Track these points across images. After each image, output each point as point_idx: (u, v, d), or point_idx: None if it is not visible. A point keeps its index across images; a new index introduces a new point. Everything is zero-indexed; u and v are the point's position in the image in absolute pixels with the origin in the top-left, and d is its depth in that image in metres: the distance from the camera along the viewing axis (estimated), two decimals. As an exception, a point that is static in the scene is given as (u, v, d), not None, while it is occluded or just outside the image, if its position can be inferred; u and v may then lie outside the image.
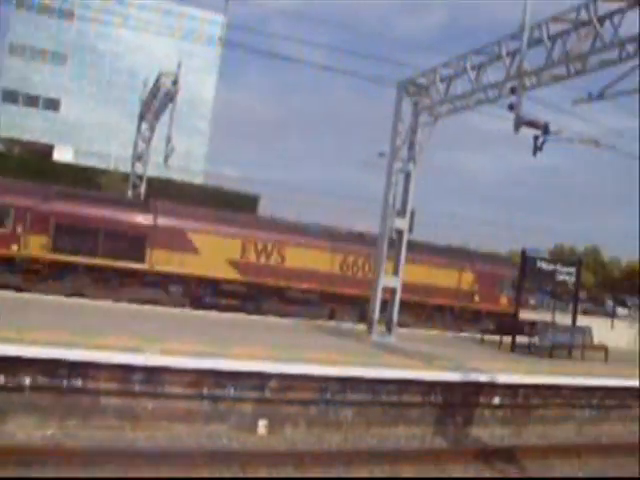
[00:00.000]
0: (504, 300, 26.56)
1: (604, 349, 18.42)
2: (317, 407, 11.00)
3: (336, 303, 23.77)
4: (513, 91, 14.57)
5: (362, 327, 18.16)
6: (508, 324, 20.06)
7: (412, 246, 19.24)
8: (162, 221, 21.72)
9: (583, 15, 13.10)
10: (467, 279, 25.76)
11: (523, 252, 19.35)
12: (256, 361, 10.66)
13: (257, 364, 10.53)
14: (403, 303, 18.15)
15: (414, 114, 17.79)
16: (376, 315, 17.24)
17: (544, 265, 19.10)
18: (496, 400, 12.71)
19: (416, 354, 14.34)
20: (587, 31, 13.20)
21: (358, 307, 22.82)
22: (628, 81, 13.29)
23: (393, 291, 17.75)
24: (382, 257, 17.62)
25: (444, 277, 25.30)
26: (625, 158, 22.49)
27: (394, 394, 11.62)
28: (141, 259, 21.12)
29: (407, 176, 17.89)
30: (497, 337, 19.49)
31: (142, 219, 21.51)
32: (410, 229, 17.94)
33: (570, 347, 18.51)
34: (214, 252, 22.08)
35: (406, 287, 18.38)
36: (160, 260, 21.35)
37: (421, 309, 24.75)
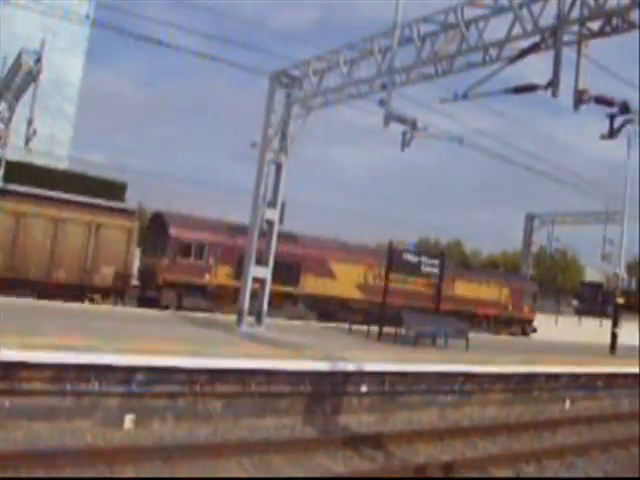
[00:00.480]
0: (526, 309, 34.41)
1: (466, 338, 19.33)
2: (185, 400, 10.80)
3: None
4: (384, 87, 14.95)
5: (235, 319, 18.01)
6: (376, 315, 20.59)
7: (468, 268, 32.97)
8: (311, 252, 26.88)
9: (451, 18, 13.64)
10: (505, 293, 32.13)
11: (390, 244, 19.93)
12: (121, 354, 10.29)
13: (123, 358, 10.18)
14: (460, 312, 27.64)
15: (286, 105, 17.83)
16: (245, 306, 17.18)
17: (410, 257, 19.78)
18: (364, 388, 13.00)
19: (285, 344, 14.42)
20: (454, 33, 13.75)
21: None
22: (491, 83, 13.96)
23: (262, 282, 17.75)
24: (252, 247, 17.55)
25: (490, 292, 32.33)
26: (486, 156, 23.59)
27: (263, 385, 11.62)
28: (296, 283, 26.15)
29: (278, 167, 17.93)
30: (365, 327, 19.99)
31: (297, 251, 25.96)
32: (281, 220, 18.00)
33: (434, 336, 19.30)
34: (346, 277, 27.67)
35: (464, 300, 29.30)
36: (308, 284, 26.64)
37: (475, 316, 30.92)
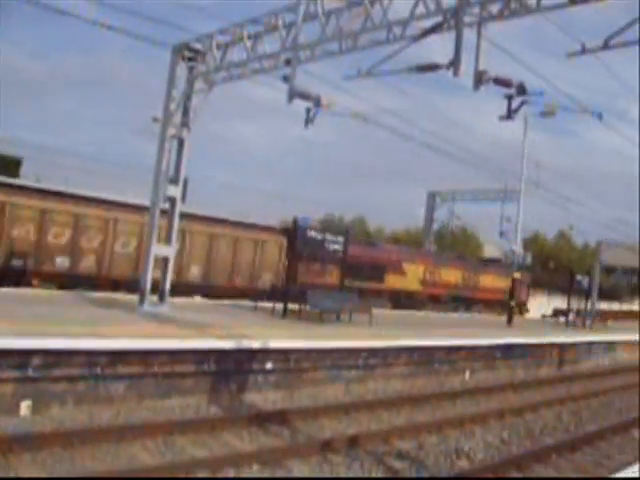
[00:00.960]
0: (523, 295, 41.84)
1: (369, 313, 19.66)
2: (86, 383, 10.46)
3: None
4: (288, 63, 14.82)
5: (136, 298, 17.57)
6: (280, 291, 20.60)
7: (488, 265, 43.56)
8: (391, 257, 35.18)
9: (356, -6, 13.63)
10: (507, 282, 34.03)
11: (294, 221, 19.91)
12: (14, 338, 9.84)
13: (17, 341, 9.73)
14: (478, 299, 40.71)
15: (189, 79, 17.41)
16: (147, 285, 16.79)
17: (314, 234, 19.83)
18: (269, 365, 13.00)
19: (189, 323, 14.21)
20: (359, 11, 13.77)
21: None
22: (396, 62, 14.09)
23: (165, 260, 17.40)
24: (154, 225, 17.14)
25: (499, 281, 39.88)
26: (390, 134, 23.87)
27: (167, 365, 11.40)
28: (381, 281, 33.64)
29: (180, 143, 17.54)
30: (270, 304, 20.00)
31: (382, 256, 34.25)
32: (183, 198, 17.63)
33: (338, 312, 19.53)
34: (413, 274, 36.09)
35: (480, 288, 40.78)
36: (390, 281, 34.30)
37: (487, 301, 40.85)
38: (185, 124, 17.38)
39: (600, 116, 24.07)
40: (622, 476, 4.97)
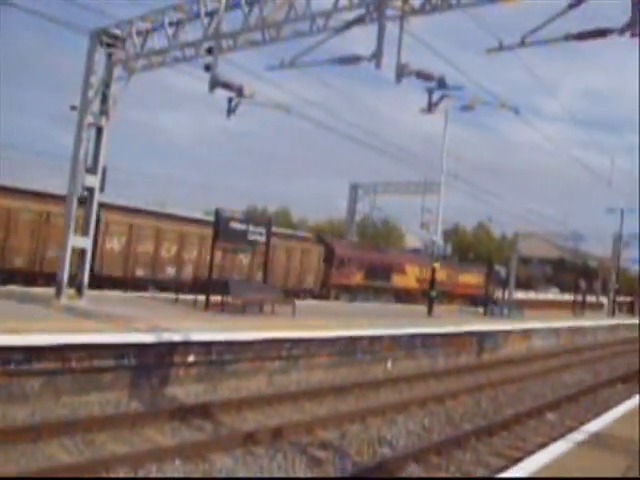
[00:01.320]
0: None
1: (292, 304, 19.68)
2: (-1, 380, 10.05)
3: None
4: (210, 52, 14.60)
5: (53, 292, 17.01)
6: (203, 283, 20.36)
7: (468, 265, 50.92)
8: (396, 260, 41.33)
9: (279, -16, 13.53)
10: (481, 279, 41.60)
11: (216, 212, 19.68)
12: None
13: None
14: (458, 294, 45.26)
15: (108, 66, 16.92)
16: (65, 277, 16.30)
17: (237, 225, 19.65)
18: (191, 358, 12.83)
19: (109, 317, 13.86)
20: (282, 1, 13.69)
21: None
22: (319, 54, 14.10)
23: (82, 252, 16.92)
24: (71, 216, 16.63)
25: (474, 278, 45.89)
26: (314, 125, 23.85)
27: (85, 360, 11.08)
28: (388, 280, 39.53)
29: (99, 131, 17.05)
30: (192, 297, 19.73)
31: (390, 260, 40.20)
32: (102, 188, 17.16)
33: (261, 303, 19.46)
34: (413, 274, 41.56)
35: (459, 284, 45.65)
36: (395, 280, 40.07)
37: (465, 295, 45.62)
38: (104, 112, 16.90)
39: (517, 111, 24.82)
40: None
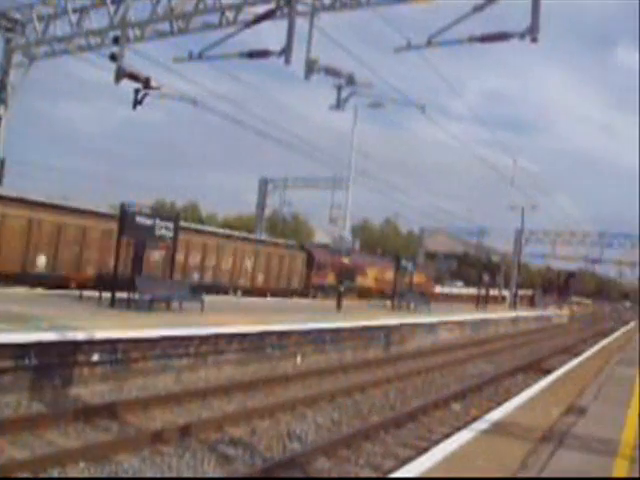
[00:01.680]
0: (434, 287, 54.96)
1: (200, 300, 19.43)
2: None
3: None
4: (116, 41, 14.20)
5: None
6: (109, 279, 19.80)
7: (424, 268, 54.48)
8: (358, 262, 43.50)
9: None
10: (424, 278, 49.60)
11: (122, 206, 19.16)
12: None
13: None
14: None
15: (6, 52, 16.21)
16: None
17: (143, 220, 19.18)
18: (95, 357, 12.45)
19: (7, 315, 13.27)
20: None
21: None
22: (230, 47, 13.95)
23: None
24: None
25: (421, 278, 50.19)
26: (223, 119, 23.51)
27: (-19, 361, 10.56)
28: (353, 280, 42.56)
29: (-3, 121, 16.30)
30: (98, 293, 19.16)
31: (354, 262, 38.07)
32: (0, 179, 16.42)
33: (169, 300, 19.11)
34: (372, 275, 47.82)
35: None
36: (359, 280, 44.99)
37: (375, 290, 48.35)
38: (2, 101, 16.15)
39: (423, 109, 25.38)
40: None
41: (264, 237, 45.91)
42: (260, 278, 36.96)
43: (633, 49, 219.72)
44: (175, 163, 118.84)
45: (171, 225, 20.08)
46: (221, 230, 40.16)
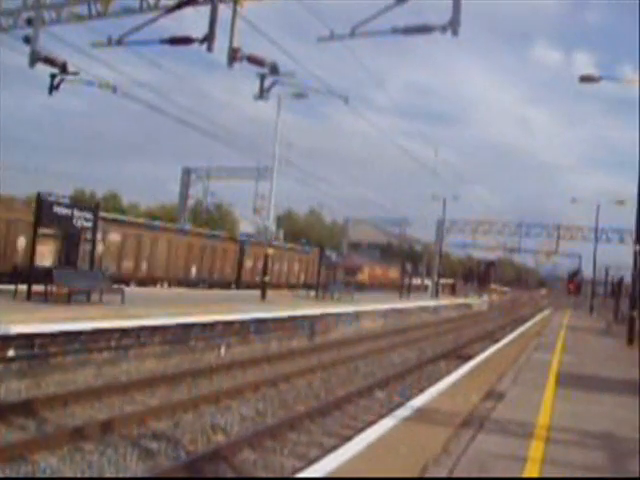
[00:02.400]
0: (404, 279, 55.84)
1: (121, 292, 19.01)
2: None
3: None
4: (30, 23, 13.64)
5: None
6: (23, 272, 19.11)
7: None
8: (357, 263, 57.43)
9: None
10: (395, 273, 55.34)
11: (38, 196, 18.50)
12: None
13: None
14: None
15: None
16: None
17: (61, 210, 18.56)
18: (11, 352, 12.02)
19: None
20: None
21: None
22: (151, 33, 13.61)
23: None
24: None
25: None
26: (144, 107, 23.11)
27: None
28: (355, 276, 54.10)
29: None
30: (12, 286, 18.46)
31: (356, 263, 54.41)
32: None
33: (89, 292, 18.61)
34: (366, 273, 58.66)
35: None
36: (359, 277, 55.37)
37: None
38: None
39: (346, 100, 25.50)
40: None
41: (188, 227, 45.10)
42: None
43: (549, 46, 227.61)
44: (96, 152, 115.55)
45: (90, 215, 19.51)
46: (157, 222, 40.09)
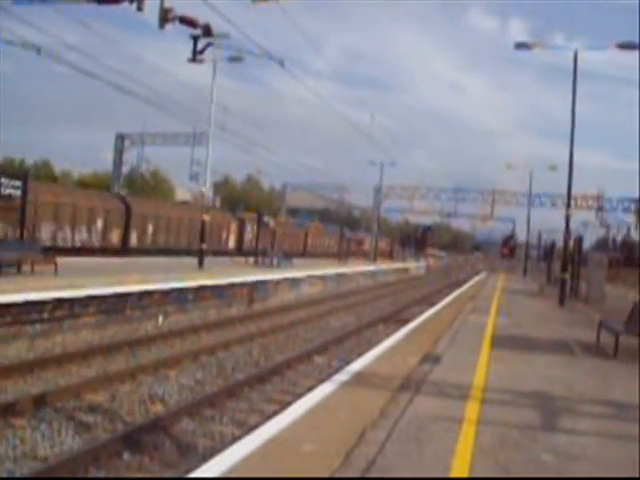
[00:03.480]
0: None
1: (54, 262, 18.51)
2: None
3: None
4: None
5: None
6: None
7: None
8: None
9: None
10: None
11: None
12: None
13: None
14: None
15: None
16: None
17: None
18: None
19: None
20: None
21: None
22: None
23: None
24: None
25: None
26: (71, 71, 22.17)
27: None
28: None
29: None
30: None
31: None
32: None
33: (19, 263, 18.05)
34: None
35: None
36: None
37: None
38: None
39: (282, 63, 25.19)
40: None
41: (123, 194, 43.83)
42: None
43: (484, 13, 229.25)
44: (24, 118, 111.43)
45: (19, 184, 18.86)
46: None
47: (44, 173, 65.26)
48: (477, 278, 55.14)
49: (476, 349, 12.17)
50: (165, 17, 11.55)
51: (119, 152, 50.54)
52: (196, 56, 12.39)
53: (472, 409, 7.57)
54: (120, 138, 50.36)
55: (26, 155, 70.04)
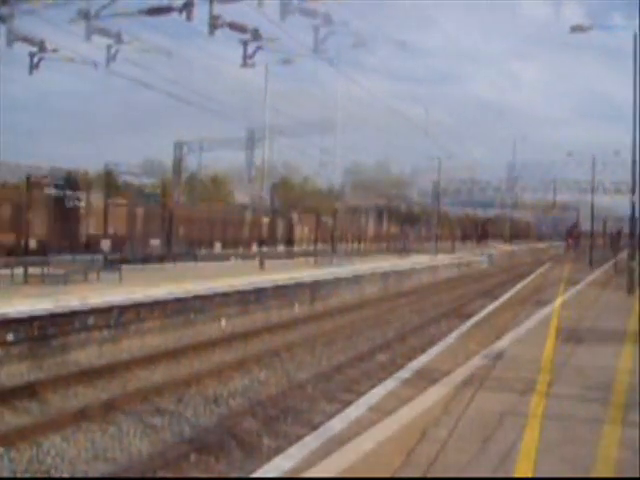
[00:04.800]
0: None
1: (119, 270, 18.96)
2: None
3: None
4: (4, 1, 13.36)
5: None
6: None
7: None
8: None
9: None
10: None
11: (27, 179, 18.35)
12: None
13: None
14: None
15: None
16: None
17: (54, 191, 18.44)
18: (10, 337, 12.03)
19: None
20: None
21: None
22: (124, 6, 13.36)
23: None
24: None
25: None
26: (130, 82, 22.56)
27: None
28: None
29: None
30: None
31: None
32: None
33: (85, 272, 18.56)
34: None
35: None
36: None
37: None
38: None
39: (332, 62, 25.16)
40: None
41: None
42: None
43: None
44: (85, 130, 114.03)
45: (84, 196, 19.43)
46: None
47: (109, 183, 66.66)
48: (542, 268, 53.94)
49: (540, 344, 11.91)
50: (215, 24, 11.71)
51: (178, 159, 51.43)
52: (247, 61, 12.53)
53: (536, 403, 7.43)
54: (179, 145, 51.22)
55: (89, 166, 71.81)
